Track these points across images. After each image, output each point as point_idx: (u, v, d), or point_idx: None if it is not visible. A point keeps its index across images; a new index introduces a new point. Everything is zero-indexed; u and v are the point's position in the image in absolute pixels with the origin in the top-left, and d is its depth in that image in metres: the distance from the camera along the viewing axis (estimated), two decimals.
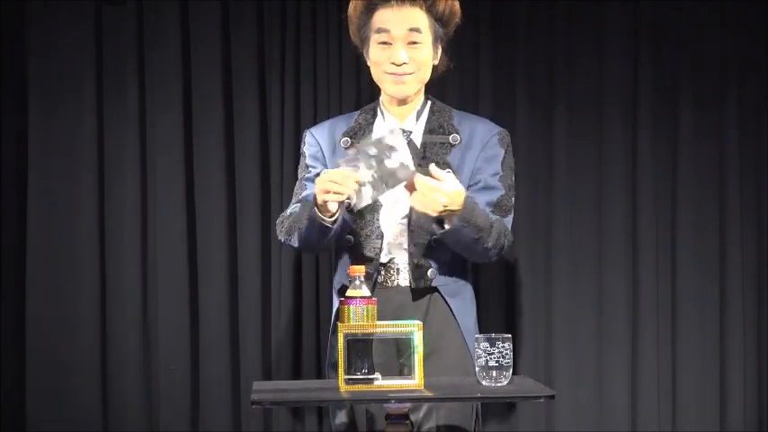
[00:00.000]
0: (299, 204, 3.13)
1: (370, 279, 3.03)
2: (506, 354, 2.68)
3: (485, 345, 2.68)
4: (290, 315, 3.95)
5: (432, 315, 3.05)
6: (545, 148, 4.02)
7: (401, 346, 2.79)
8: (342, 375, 2.64)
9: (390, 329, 2.67)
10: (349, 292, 2.71)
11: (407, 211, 3.05)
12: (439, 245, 3.04)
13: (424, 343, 2.93)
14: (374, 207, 3.04)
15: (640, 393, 4.01)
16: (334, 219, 2.93)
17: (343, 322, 2.69)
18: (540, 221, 4.01)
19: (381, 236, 3.06)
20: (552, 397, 2.66)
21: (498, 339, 2.67)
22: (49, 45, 3.95)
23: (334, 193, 2.84)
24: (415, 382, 2.65)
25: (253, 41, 3.99)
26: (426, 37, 3.06)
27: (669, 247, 4.04)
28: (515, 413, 4.01)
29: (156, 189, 3.98)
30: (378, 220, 3.07)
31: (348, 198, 2.85)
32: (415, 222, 3.03)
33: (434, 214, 2.88)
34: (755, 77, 4.04)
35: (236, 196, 4.00)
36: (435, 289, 3.07)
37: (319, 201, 2.89)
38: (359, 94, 3.97)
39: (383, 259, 3.06)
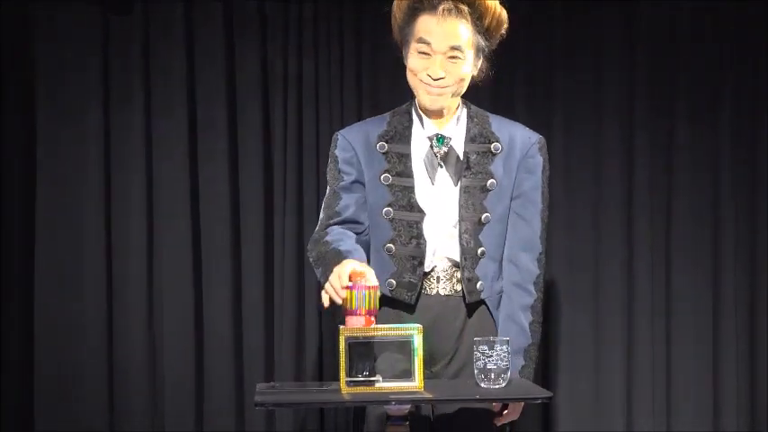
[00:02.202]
0: (332, 231, 2.96)
1: (414, 289, 2.96)
2: (504, 356, 2.68)
3: (483, 348, 2.67)
4: (293, 320, 3.96)
5: (471, 324, 2.98)
6: None
7: (434, 356, 2.86)
8: (343, 377, 2.64)
9: (391, 333, 2.67)
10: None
11: (455, 221, 2.96)
12: (485, 257, 2.98)
13: (459, 352, 2.96)
14: (418, 217, 2.95)
15: (635, 394, 4.03)
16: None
17: (347, 308, 2.66)
18: None
19: (425, 244, 2.96)
20: (549, 399, 2.66)
21: (496, 342, 2.67)
22: (55, 55, 3.96)
23: (327, 292, 2.75)
24: (415, 383, 2.64)
25: (256, 47, 4.01)
26: (468, 52, 2.92)
27: (664, 252, 4.07)
28: None
29: (162, 197, 4.00)
30: (419, 228, 2.96)
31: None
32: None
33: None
34: (750, 87, 4.06)
35: (240, 204, 4.02)
36: (481, 300, 3.00)
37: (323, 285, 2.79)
38: (359, 102, 3.99)
39: (426, 268, 2.98)
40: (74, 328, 3.96)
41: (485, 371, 2.67)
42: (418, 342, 2.64)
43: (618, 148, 4.05)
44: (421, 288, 2.96)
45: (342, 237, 2.93)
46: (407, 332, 2.66)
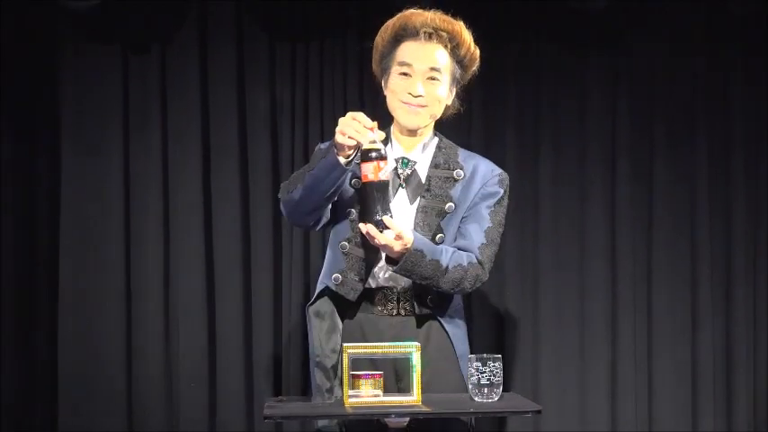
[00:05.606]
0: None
1: (357, 289, 2.96)
2: (497, 372, 2.72)
3: (477, 364, 2.72)
4: (300, 338, 3.97)
5: (430, 343, 2.98)
6: (532, 183, 4.10)
7: (399, 371, 2.87)
8: (346, 392, 2.69)
9: (390, 350, 2.72)
10: (367, 145, 2.77)
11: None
12: None
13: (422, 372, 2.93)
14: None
15: (619, 397, 4.09)
16: (349, 159, 2.84)
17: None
18: (527, 252, 4.08)
19: (378, 251, 2.94)
20: (539, 412, 2.69)
21: (489, 359, 2.72)
22: (79, 91, 4.01)
23: (350, 137, 2.80)
24: (413, 398, 2.69)
25: (265, 83, 4.07)
26: (445, 76, 3.00)
27: (645, 273, 4.13)
28: (506, 426, 4.08)
29: (178, 220, 4.05)
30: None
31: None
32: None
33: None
34: (722, 126, 4.15)
35: (251, 225, 4.06)
36: (434, 316, 3.00)
37: (337, 140, 2.81)
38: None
39: (379, 276, 3.00)
40: (94, 348, 3.99)
41: (478, 386, 2.73)
42: (416, 359, 2.69)
43: (601, 173, 4.11)
44: (363, 288, 2.97)
45: None
46: (407, 350, 2.71)
